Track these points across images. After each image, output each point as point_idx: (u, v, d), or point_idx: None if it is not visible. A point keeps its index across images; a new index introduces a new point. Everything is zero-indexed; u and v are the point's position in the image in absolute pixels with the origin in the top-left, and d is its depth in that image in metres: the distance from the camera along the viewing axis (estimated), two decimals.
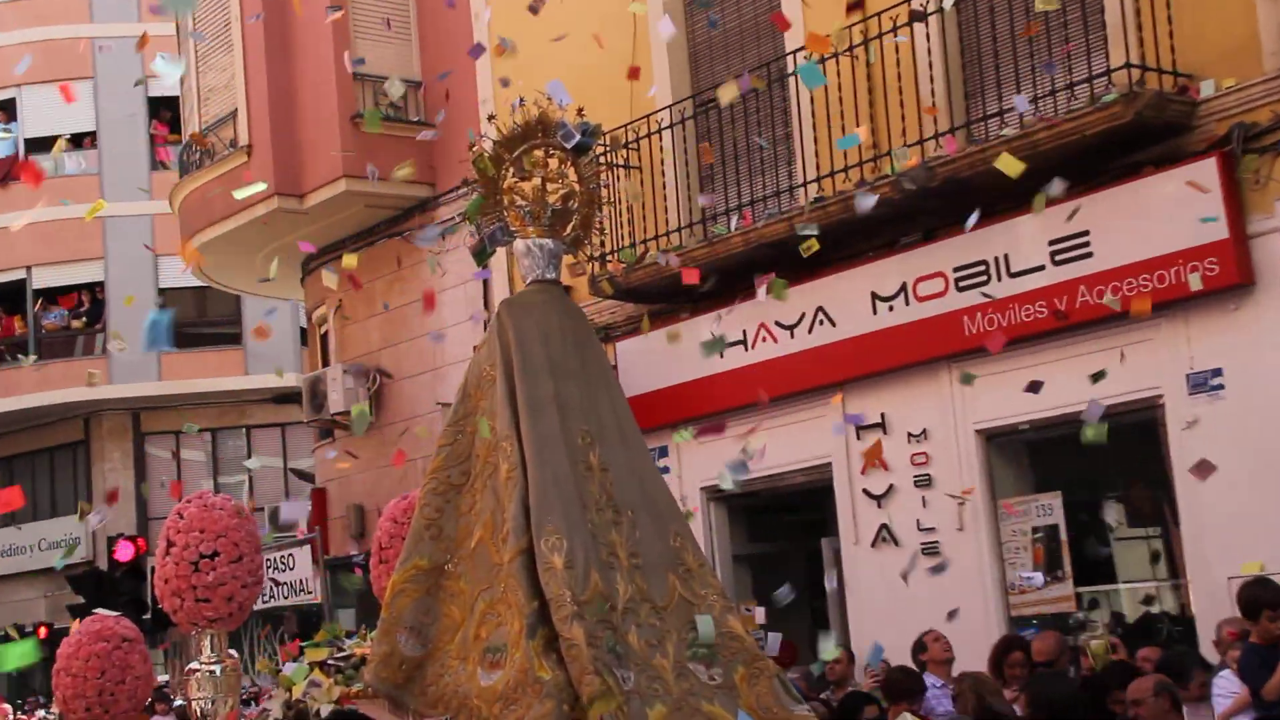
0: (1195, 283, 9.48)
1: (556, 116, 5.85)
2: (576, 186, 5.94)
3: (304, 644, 6.97)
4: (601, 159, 6.89)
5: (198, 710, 6.43)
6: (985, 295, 10.29)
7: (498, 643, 5.53)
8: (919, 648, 9.26)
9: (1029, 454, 11.12)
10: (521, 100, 5.87)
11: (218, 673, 6.45)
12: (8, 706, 17.86)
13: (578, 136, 5.66)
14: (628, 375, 11.95)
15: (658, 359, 12.23)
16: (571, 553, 5.48)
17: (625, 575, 5.61)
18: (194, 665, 6.55)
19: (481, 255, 5.88)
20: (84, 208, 25.36)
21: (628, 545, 5.70)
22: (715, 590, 5.79)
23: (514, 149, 5.85)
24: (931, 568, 9.99)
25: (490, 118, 5.99)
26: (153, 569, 19.36)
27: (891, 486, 11.26)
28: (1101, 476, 11.27)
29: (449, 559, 5.85)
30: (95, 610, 7.47)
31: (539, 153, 5.85)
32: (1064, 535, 10.38)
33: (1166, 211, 9.64)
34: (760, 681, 5.57)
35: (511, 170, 5.86)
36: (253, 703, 7.66)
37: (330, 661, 6.56)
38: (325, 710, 5.86)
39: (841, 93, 11.23)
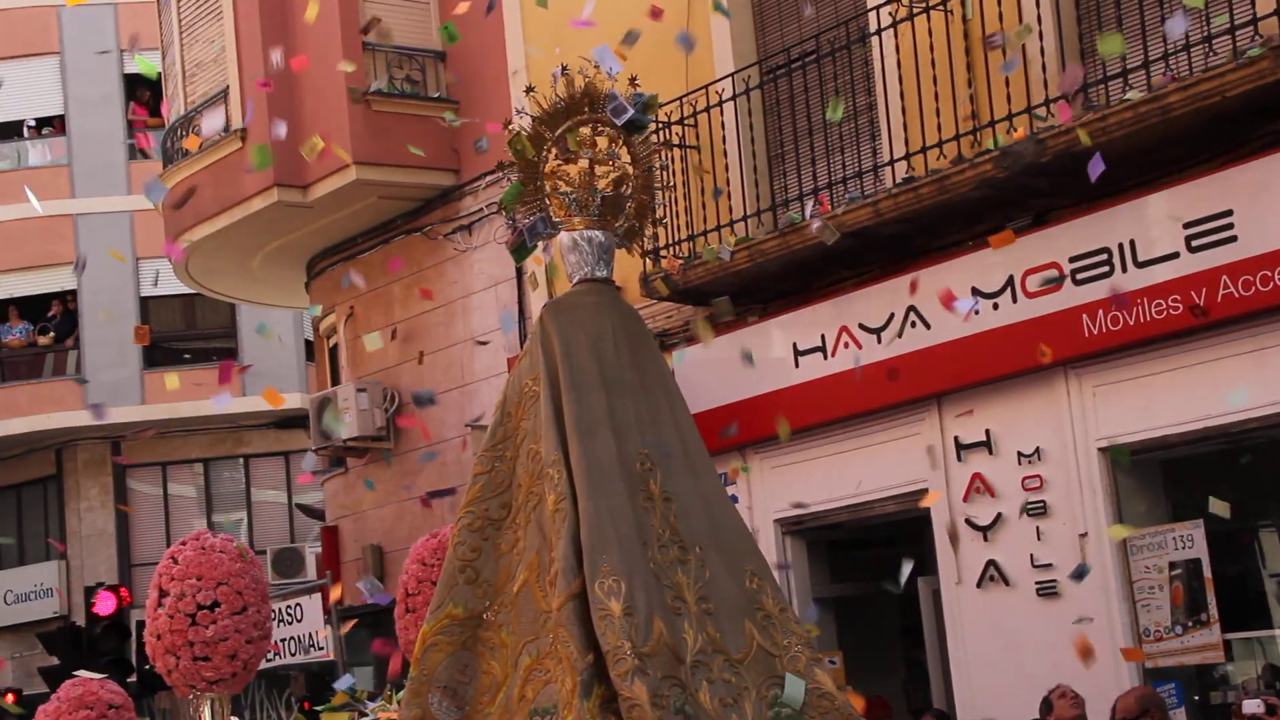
0: None
1: (605, 88, 5.86)
2: (630, 169, 5.94)
3: (319, 708, 7.00)
4: (656, 137, 6.86)
5: None
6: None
7: (547, 704, 5.56)
8: (1045, 708, 9.20)
9: (1163, 476, 11.01)
10: (564, 69, 5.87)
11: None
12: None
13: (631, 111, 5.66)
14: (688, 389, 11.91)
15: (723, 369, 12.20)
16: (631, 597, 5.49)
17: (694, 623, 5.62)
18: None
19: (520, 251, 5.91)
20: (51, 204, 25.70)
21: (696, 588, 5.71)
22: (799, 639, 5.78)
23: (556, 127, 5.88)
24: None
25: (528, 90, 5.97)
26: (139, 624, 19.51)
27: (999, 516, 11.18)
28: (1252, 501, 11.13)
29: (488, 606, 5.89)
30: (76, 673, 7.52)
31: (585, 130, 5.87)
32: (1207, 572, 10.26)
33: None
34: None
35: (554, 152, 5.88)
36: None
37: None
38: None
39: (934, 54, 11.18)
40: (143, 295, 26.84)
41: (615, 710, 5.37)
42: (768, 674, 5.68)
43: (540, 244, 6.10)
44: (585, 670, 5.44)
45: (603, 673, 5.44)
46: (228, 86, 16.04)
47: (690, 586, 5.72)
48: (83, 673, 7.42)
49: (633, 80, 5.90)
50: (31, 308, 27.72)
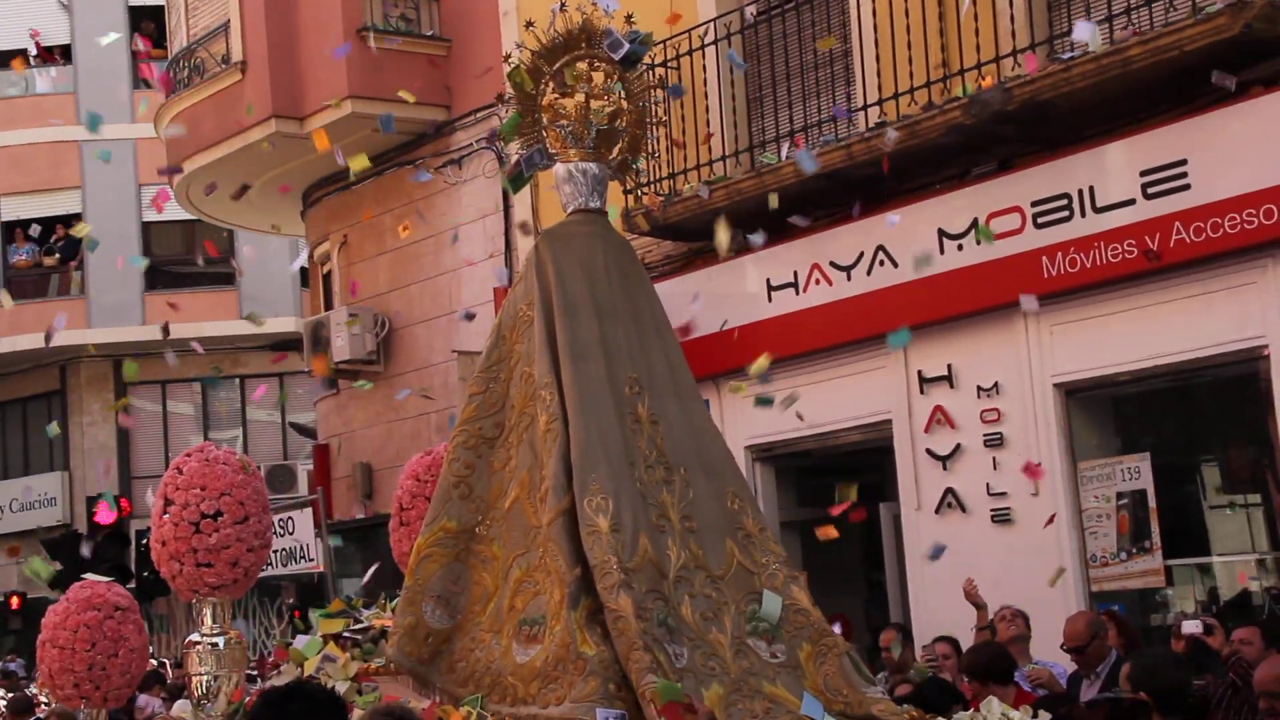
0: None
1: (602, 24, 5.75)
2: (624, 104, 5.84)
3: (319, 614, 6.93)
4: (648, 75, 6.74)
5: (199, 687, 6.42)
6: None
7: (535, 614, 5.51)
8: (992, 629, 9.21)
9: (1114, 411, 11.00)
10: (563, 5, 5.75)
11: (221, 646, 6.44)
12: None
13: (627, 46, 5.55)
14: None
15: (699, 303, 12.10)
16: (618, 515, 5.44)
17: (678, 540, 5.58)
18: (194, 638, 6.54)
19: (518, 181, 5.80)
20: (59, 130, 25.36)
21: (680, 507, 5.67)
22: (777, 558, 5.74)
23: (555, 61, 5.77)
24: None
25: (528, 24, 5.86)
26: (137, 533, 19.33)
27: (959, 446, 11.17)
28: (1195, 436, 11.14)
29: (480, 521, 5.83)
30: (84, 576, 7.45)
31: (582, 65, 5.77)
32: (1152, 502, 10.27)
33: (1276, 137, 9.45)
34: (828, 660, 5.54)
35: (551, 85, 5.78)
36: (258, 679, 7.64)
37: (346, 634, 6.53)
38: (341, 688, 5.83)
39: (908, 2, 11.05)
40: (145, 220, 26.58)
41: (601, 621, 5.34)
42: (746, 590, 5.64)
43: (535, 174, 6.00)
44: (573, 583, 5.41)
45: (590, 586, 5.40)
46: (228, 20, 15.81)
47: (675, 506, 5.67)
48: (91, 576, 7.36)
49: (629, 18, 5.80)
50: (38, 230, 27.44)
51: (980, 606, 9.36)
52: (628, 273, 5.99)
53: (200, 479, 6.33)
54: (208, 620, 6.46)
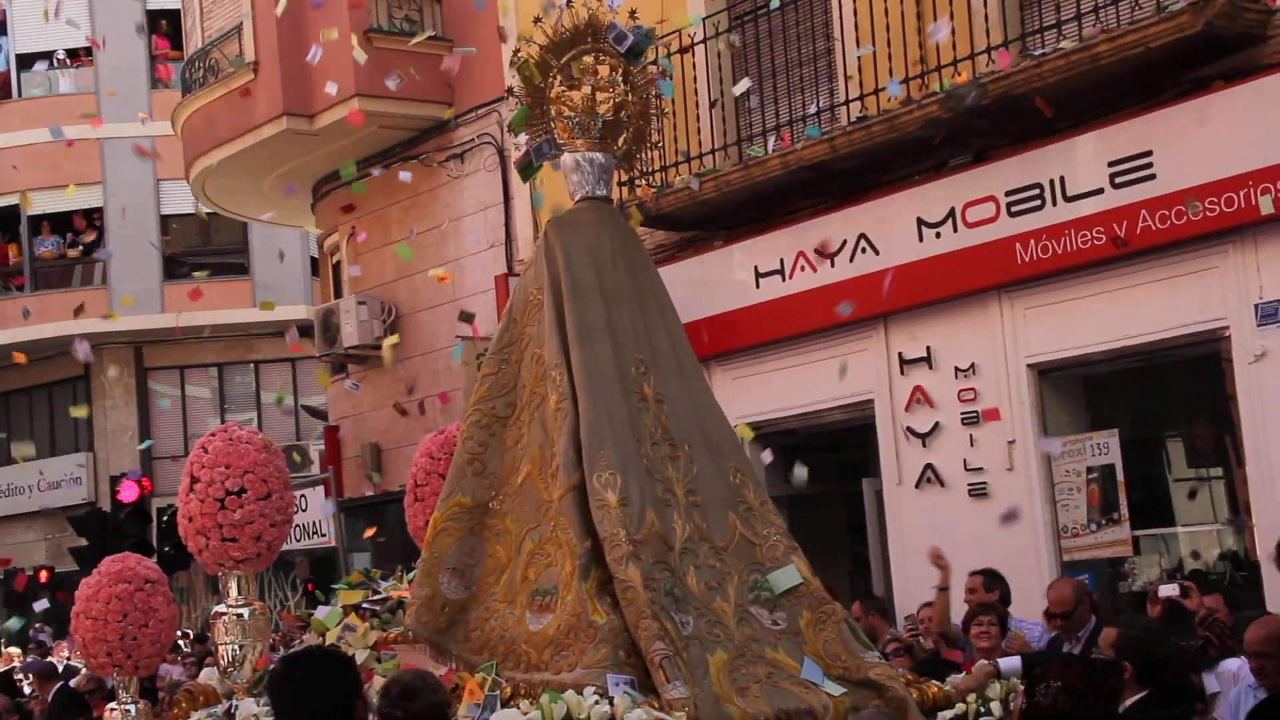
0: (1266, 206, 9.23)
1: (607, 19, 5.65)
2: (628, 97, 5.74)
3: (334, 585, 6.84)
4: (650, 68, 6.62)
5: (225, 656, 6.32)
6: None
7: (547, 585, 5.44)
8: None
9: (1084, 390, 10.93)
10: (569, 1, 5.65)
11: (246, 616, 6.35)
12: (14, 650, 17.87)
13: (631, 38, 5.44)
14: None
15: (691, 289, 12.02)
16: (626, 489, 5.36)
17: (683, 514, 5.50)
18: (220, 609, 6.44)
19: (528, 170, 5.70)
20: (82, 128, 25.23)
21: (685, 482, 5.59)
22: (778, 530, 5.67)
23: (562, 55, 5.68)
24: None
25: (536, 20, 5.76)
26: (158, 510, 19.20)
27: (937, 424, 11.08)
28: (1161, 413, 11.08)
29: (494, 496, 5.75)
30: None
31: (588, 59, 5.67)
32: (1120, 476, 10.20)
33: (1236, 129, 9.38)
34: (827, 627, 5.47)
35: (559, 78, 5.68)
36: (280, 648, 7.54)
37: (365, 605, 6.44)
38: (361, 656, 5.74)
39: (888, 3, 10.95)
40: (163, 213, 26.40)
41: (611, 591, 5.27)
42: (749, 561, 5.58)
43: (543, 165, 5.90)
44: (583, 555, 5.33)
45: (599, 557, 5.33)
46: (241, 23, 15.65)
47: (679, 481, 5.60)
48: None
49: (633, 13, 5.70)
50: (62, 223, 27.28)
51: (943, 569, 9.20)
52: (633, 258, 5.91)
53: (225, 457, 6.24)
54: (233, 592, 6.38)
